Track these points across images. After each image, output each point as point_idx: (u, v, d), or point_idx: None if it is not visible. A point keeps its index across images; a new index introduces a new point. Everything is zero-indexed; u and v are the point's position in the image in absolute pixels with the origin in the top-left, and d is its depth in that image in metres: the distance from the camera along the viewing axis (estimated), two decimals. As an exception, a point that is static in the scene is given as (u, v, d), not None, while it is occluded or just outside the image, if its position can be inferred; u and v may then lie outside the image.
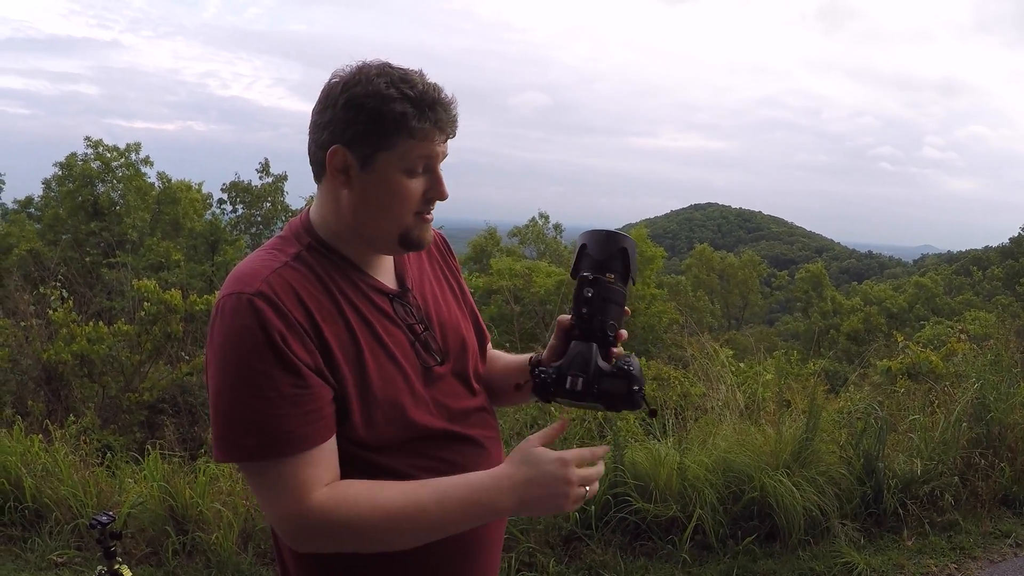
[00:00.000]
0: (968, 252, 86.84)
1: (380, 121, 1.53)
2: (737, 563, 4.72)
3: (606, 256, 1.68)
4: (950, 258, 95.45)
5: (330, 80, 1.59)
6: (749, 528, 4.94)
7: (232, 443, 1.48)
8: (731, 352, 7.65)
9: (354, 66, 1.58)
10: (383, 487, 1.52)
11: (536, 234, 45.11)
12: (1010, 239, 55.35)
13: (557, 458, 1.55)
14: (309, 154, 1.63)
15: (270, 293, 1.49)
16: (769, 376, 6.78)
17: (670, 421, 5.71)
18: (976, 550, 5.08)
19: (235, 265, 1.61)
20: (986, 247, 79.13)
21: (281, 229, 1.72)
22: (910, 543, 5.07)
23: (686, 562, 4.73)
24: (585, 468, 1.58)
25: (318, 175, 1.63)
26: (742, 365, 7.76)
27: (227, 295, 1.51)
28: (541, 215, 46.09)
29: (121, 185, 31.28)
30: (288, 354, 1.47)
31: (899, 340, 8.48)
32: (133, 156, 31.73)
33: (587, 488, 1.58)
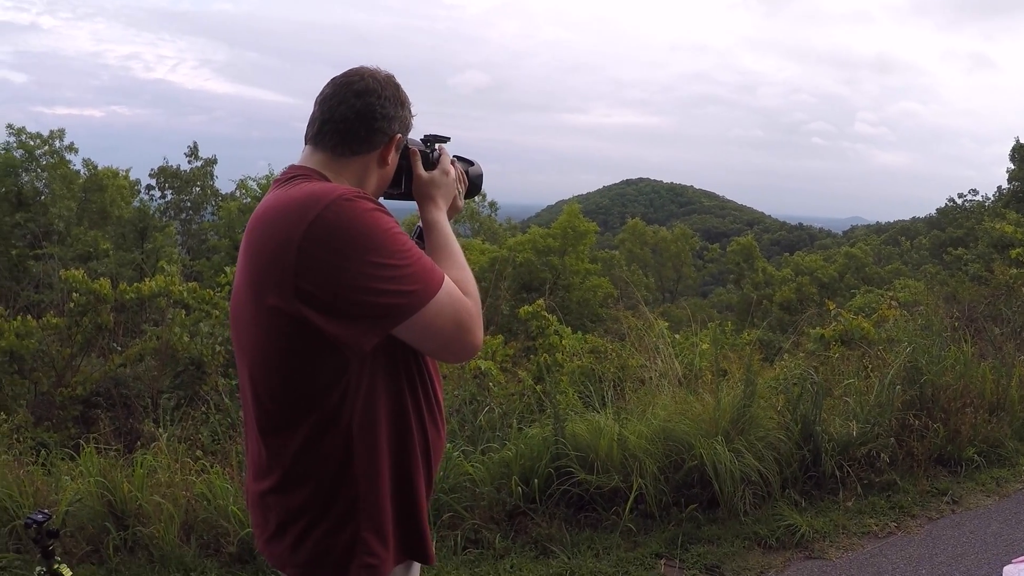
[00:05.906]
0: (896, 223, 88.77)
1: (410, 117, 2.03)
2: (681, 530, 4.79)
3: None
4: (879, 229, 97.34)
5: (380, 79, 1.94)
6: (691, 495, 5.01)
7: (427, 286, 1.78)
8: (666, 324, 7.71)
9: (383, 70, 1.97)
10: (447, 264, 1.99)
11: (470, 212, 44.76)
12: (937, 210, 56.30)
13: (434, 172, 2.17)
14: (357, 134, 1.92)
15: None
16: (705, 346, 6.85)
17: (609, 393, 5.76)
18: (915, 508, 5.24)
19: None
20: (913, 218, 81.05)
21: (298, 178, 1.90)
22: (849, 504, 5.20)
23: (631, 531, 4.78)
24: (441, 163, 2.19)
25: (355, 152, 1.94)
26: (678, 336, 7.83)
27: (335, 199, 1.74)
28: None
29: (46, 174, 30.29)
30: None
31: (831, 308, 8.62)
32: (57, 143, 30.70)
33: (449, 169, 2.20)
